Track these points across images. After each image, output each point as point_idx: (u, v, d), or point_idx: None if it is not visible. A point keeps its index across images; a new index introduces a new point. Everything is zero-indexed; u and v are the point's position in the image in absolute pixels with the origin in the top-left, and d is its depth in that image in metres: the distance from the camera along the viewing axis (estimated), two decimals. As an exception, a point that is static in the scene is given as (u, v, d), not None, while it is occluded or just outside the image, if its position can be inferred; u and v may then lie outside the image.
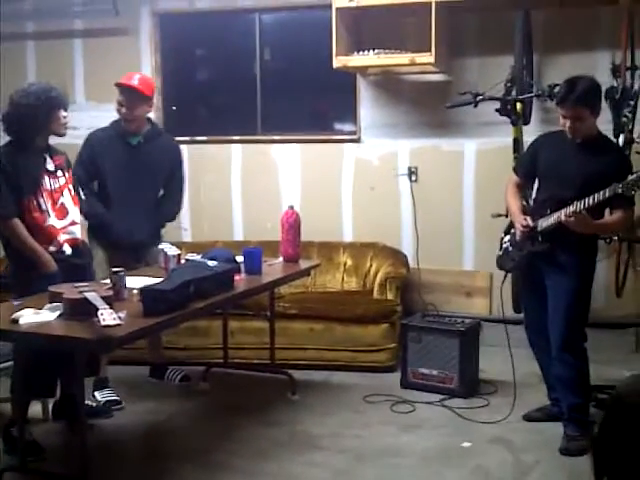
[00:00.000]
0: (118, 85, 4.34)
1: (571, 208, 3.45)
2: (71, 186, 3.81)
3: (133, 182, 4.35)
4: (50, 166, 3.70)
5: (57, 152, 3.81)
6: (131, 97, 4.30)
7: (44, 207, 3.61)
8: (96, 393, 4.24)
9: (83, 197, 3.99)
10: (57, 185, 3.71)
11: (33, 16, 6.11)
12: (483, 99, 4.69)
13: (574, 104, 3.42)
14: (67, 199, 3.75)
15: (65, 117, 3.70)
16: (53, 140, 3.80)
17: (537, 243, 3.63)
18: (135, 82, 4.32)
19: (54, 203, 3.67)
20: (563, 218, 3.47)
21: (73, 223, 3.77)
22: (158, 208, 4.52)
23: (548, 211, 3.57)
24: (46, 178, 3.65)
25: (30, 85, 3.74)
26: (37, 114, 3.56)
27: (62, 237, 3.69)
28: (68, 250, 3.70)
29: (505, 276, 4.04)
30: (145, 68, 5.96)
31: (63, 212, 3.72)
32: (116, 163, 4.33)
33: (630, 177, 3.35)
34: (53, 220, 3.65)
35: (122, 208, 4.29)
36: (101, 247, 4.27)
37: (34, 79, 5.90)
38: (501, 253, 3.93)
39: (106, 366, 4.30)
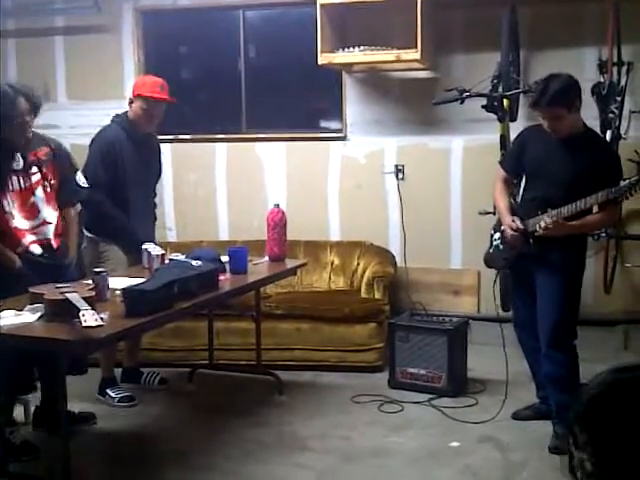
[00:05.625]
0: (154, 99, 4.16)
1: (547, 219, 3.43)
2: (48, 182, 3.65)
3: (144, 181, 4.31)
4: (19, 164, 3.54)
5: (40, 144, 3.65)
6: (162, 107, 4.24)
7: (7, 209, 3.51)
8: (108, 391, 4.25)
9: (101, 199, 4.05)
10: (28, 184, 3.56)
11: (14, 13, 6.03)
12: (470, 96, 4.65)
13: (547, 106, 3.40)
14: (39, 198, 3.60)
15: (27, 122, 3.49)
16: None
17: (529, 245, 3.60)
18: (166, 93, 4.21)
19: (22, 203, 3.53)
20: (540, 228, 3.46)
21: (44, 223, 3.62)
22: (153, 206, 4.55)
23: (539, 212, 3.53)
24: (13, 178, 3.52)
25: (6, 85, 3.54)
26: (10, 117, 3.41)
27: (29, 238, 3.55)
28: (37, 250, 3.56)
29: (497, 275, 4.00)
30: (128, 66, 5.90)
31: (33, 212, 3.57)
32: (133, 163, 4.21)
33: (623, 183, 3.34)
34: (18, 222, 3.52)
35: (139, 210, 4.23)
36: (120, 248, 4.19)
37: (15, 77, 5.83)
38: (491, 251, 3.90)
39: (112, 367, 4.34)
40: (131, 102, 4.21)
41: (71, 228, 3.83)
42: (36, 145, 3.64)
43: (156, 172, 4.53)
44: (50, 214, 3.67)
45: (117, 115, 4.30)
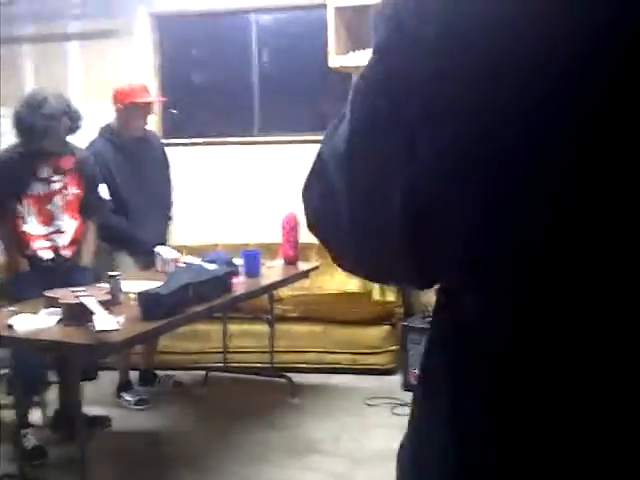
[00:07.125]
0: (138, 104, 4.25)
1: None
2: (68, 191, 3.72)
3: (143, 186, 4.34)
4: (42, 172, 3.63)
5: (66, 152, 3.71)
6: (149, 110, 4.35)
7: (22, 213, 3.58)
8: (124, 394, 4.31)
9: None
10: (47, 190, 3.64)
11: (30, 19, 6.08)
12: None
13: None
14: (57, 206, 3.68)
15: (63, 139, 3.66)
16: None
17: None
18: (151, 95, 4.37)
19: (40, 209, 3.62)
20: None
21: (58, 232, 3.69)
22: (164, 207, 4.57)
23: None
24: (37, 185, 3.60)
25: (52, 96, 3.60)
26: (46, 128, 3.51)
27: (39, 243, 3.64)
28: (46, 255, 3.65)
29: None
30: (143, 70, 5.93)
31: (48, 218, 3.65)
32: (124, 171, 4.26)
33: None
34: (31, 226, 3.61)
35: (138, 214, 4.27)
36: (127, 253, 4.26)
37: (32, 83, 5.88)
38: None
39: (128, 370, 4.41)
40: (116, 111, 4.29)
41: (87, 238, 3.87)
42: (62, 153, 3.70)
43: (157, 173, 4.53)
44: (66, 223, 3.72)
45: (102, 127, 4.36)
